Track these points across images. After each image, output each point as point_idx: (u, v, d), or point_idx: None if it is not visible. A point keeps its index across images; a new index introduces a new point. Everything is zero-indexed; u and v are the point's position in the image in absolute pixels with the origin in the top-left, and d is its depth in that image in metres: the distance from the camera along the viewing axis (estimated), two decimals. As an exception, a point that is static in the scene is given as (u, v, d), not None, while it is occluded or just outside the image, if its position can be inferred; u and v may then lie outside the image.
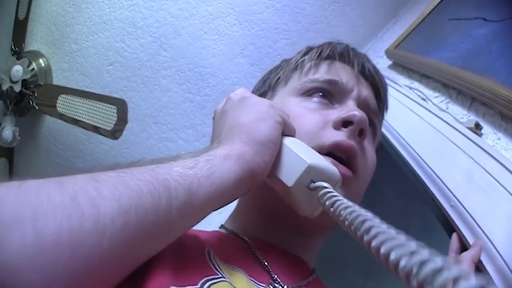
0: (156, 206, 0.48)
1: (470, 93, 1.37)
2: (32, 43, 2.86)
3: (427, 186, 1.27)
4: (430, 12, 2.10)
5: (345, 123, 0.82)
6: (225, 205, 0.64)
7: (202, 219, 0.58)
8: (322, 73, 0.93)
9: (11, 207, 0.40)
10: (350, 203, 0.57)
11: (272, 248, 0.82)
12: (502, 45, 1.41)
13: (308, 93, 0.91)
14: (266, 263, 0.75)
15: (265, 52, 2.70)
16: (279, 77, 1.01)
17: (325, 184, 0.66)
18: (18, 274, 0.37)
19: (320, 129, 0.82)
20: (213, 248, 0.68)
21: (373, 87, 0.99)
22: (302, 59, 0.99)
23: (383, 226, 0.47)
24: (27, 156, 3.07)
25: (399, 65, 2.11)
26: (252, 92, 1.03)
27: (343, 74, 0.93)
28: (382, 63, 2.31)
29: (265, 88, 1.03)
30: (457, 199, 1.12)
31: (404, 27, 2.24)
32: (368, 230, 0.48)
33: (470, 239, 1.03)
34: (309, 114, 0.85)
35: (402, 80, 1.95)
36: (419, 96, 1.69)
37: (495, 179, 1.05)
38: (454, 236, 1.11)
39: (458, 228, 1.07)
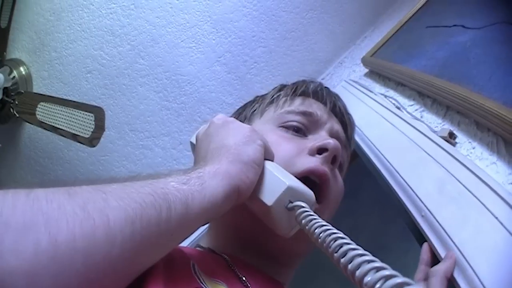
0: (158, 217, 0.51)
1: (445, 102, 1.36)
2: (14, 52, 2.87)
3: (398, 195, 1.26)
4: (408, 19, 2.09)
5: (320, 150, 0.88)
6: (214, 218, 0.70)
7: (195, 231, 0.62)
8: (297, 105, 1.01)
9: (23, 212, 0.40)
10: (324, 222, 0.61)
11: (248, 266, 0.83)
12: (480, 53, 1.39)
13: (284, 124, 0.96)
14: (244, 279, 0.77)
15: (242, 60, 2.70)
16: (255, 110, 1.07)
17: (302, 204, 0.71)
18: (31, 280, 0.37)
19: (295, 155, 0.87)
20: (197, 263, 0.70)
21: (342, 124, 1.06)
22: (278, 94, 1.06)
23: (353, 244, 0.51)
24: (8, 163, 3.08)
25: (375, 73, 2.10)
26: None
27: (316, 108, 1.00)
28: (358, 71, 2.32)
29: (241, 118, 1.07)
30: (428, 209, 1.10)
31: (382, 35, 2.23)
32: (338, 247, 0.52)
33: (441, 251, 1.00)
34: (285, 142, 0.91)
35: (378, 88, 1.94)
36: (393, 104, 1.67)
37: (467, 189, 1.02)
38: (425, 247, 1.07)
39: (429, 239, 1.05)
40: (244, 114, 1.09)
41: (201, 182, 0.62)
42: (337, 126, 1.02)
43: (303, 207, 0.69)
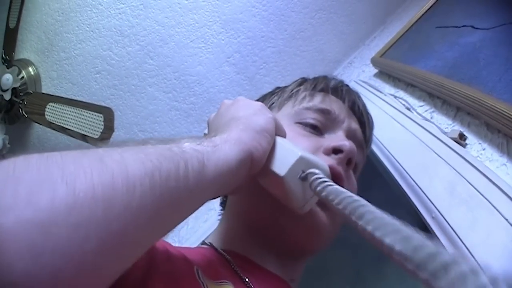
0: (176, 172, 0.49)
1: (455, 103, 1.35)
2: (22, 52, 2.88)
3: (408, 197, 1.26)
4: (418, 20, 2.08)
5: (335, 150, 0.87)
6: (230, 188, 0.67)
7: (211, 196, 0.61)
8: (316, 102, 0.98)
9: (37, 166, 0.38)
10: (342, 188, 0.59)
11: (252, 265, 0.83)
12: (490, 54, 1.38)
13: (301, 120, 0.94)
14: (247, 280, 0.76)
15: (251, 61, 2.70)
16: (273, 103, 1.06)
17: (316, 171, 0.69)
18: (48, 231, 0.35)
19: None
20: (200, 267, 0.69)
21: (361, 123, 1.04)
22: (297, 88, 1.05)
23: (378, 212, 0.48)
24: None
25: (384, 74, 2.09)
26: None
27: (335, 106, 0.98)
28: (368, 72, 2.31)
29: None
30: (438, 211, 1.10)
31: (392, 35, 2.23)
32: (362, 215, 0.49)
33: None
34: (300, 138, 0.90)
35: (388, 89, 1.93)
36: (403, 105, 1.67)
37: (478, 191, 1.02)
38: None
39: (440, 241, 1.04)
40: None
41: (213, 145, 0.60)
42: (355, 126, 1.00)
43: (317, 173, 0.68)
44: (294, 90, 1.05)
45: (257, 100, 1.10)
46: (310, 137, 0.91)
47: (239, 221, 0.92)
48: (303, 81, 1.09)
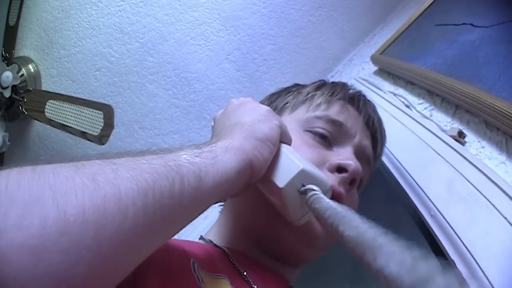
0: (170, 190, 0.48)
1: (455, 100, 1.35)
2: (22, 49, 2.88)
3: (407, 194, 1.25)
4: (417, 17, 2.08)
5: (339, 169, 0.85)
6: (228, 196, 0.69)
7: (207, 207, 0.59)
8: (330, 112, 0.96)
9: (28, 186, 0.38)
10: (339, 207, 0.58)
11: (250, 260, 0.83)
12: (489, 52, 1.38)
13: (311, 129, 0.93)
14: (245, 274, 0.76)
15: (251, 58, 2.70)
16: (287, 102, 1.03)
17: (314, 187, 0.68)
18: (39, 256, 0.35)
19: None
20: (198, 259, 0.69)
21: (373, 138, 1.02)
22: (314, 93, 1.01)
23: (372, 232, 0.47)
24: (16, 162, 3.05)
25: (384, 71, 2.09)
26: None
27: (349, 118, 0.96)
28: (367, 69, 2.31)
29: (272, 107, 1.00)
30: (437, 209, 1.10)
31: (391, 33, 2.22)
32: (355, 236, 0.48)
33: (450, 250, 1.00)
34: (307, 149, 0.88)
35: (387, 86, 1.94)
36: (403, 103, 1.67)
37: (476, 189, 1.02)
38: None
39: (438, 239, 1.04)
40: (275, 104, 1.05)
41: (213, 156, 0.60)
42: (366, 142, 0.98)
43: (315, 190, 0.67)
44: (310, 94, 1.02)
45: (273, 95, 1.10)
46: (317, 148, 0.90)
47: (236, 222, 0.92)
48: (321, 84, 1.06)
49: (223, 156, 0.61)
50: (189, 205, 0.52)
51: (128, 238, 0.42)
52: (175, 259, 0.65)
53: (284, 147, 0.76)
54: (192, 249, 0.74)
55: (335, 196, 0.80)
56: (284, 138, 0.77)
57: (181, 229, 0.54)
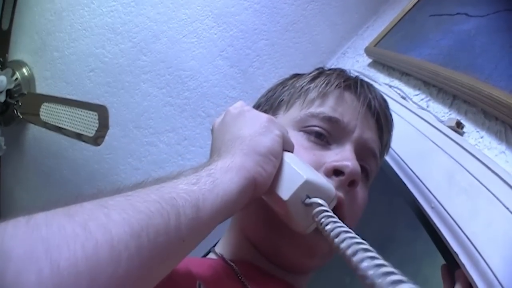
0: (166, 226, 0.48)
1: (452, 91, 1.34)
2: (16, 53, 2.88)
3: (407, 187, 1.24)
4: (411, 8, 2.07)
5: (336, 172, 0.82)
6: (231, 215, 0.65)
7: (210, 232, 0.58)
8: (324, 107, 0.91)
9: (22, 243, 0.38)
10: (343, 225, 0.57)
11: (259, 272, 0.83)
12: (485, 41, 1.38)
13: (306, 128, 0.89)
14: None
15: (244, 54, 2.69)
16: (282, 100, 0.99)
17: (320, 201, 0.67)
18: None
19: None
20: (204, 281, 0.69)
21: (378, 126, 0.97)
22: (308, 86, 0.97)
23: (371, 253, 0.48)
24: (13, 165, 3.09)
25: (379, 63, 2.08)
26: (254, 106, 1.03)
27: (346, 110, 0.91)
28: (362, 62, 2.30)
29: (267, 107, 1.01)
30: (437, 200, 1.09)
31: (385, 24, 2.22)
32: (355, 253, 0.49)
33: (452, 243, 0.99)
34: (303, 152, 0.85)
35: (382, 78, 1.93)
36: (399, 94, 1.66)
37: (477, 179, 1.02)
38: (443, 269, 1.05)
39: (440, 232, 1.04)
40: (271, 101, 1.02)
41: (212, 180, 0.58)
42: (368, 134, 0.92)
43: (321, 204, 0.66)
44: (304, 88, 0.97)
45: (269, 91, 1.06)
46: (313, 150, 0.86)
47: (241, 233, 0.91)
48: (317, 75, 1.01)
49: (224, 177, 0.60)
50: (187, 237, 0.51)
51: (123, 283, 0.42)
52: (180, 284, 0.64)
53: (286, 156, 0.75)
54: (199, 270, 0.74)
55: None
56: (286, 146, 0.76)
57: (181, 260, 0.54)
